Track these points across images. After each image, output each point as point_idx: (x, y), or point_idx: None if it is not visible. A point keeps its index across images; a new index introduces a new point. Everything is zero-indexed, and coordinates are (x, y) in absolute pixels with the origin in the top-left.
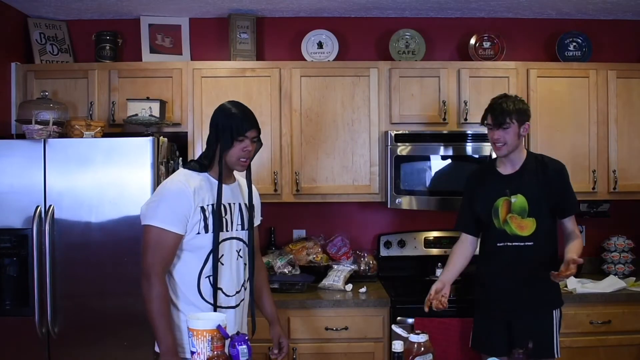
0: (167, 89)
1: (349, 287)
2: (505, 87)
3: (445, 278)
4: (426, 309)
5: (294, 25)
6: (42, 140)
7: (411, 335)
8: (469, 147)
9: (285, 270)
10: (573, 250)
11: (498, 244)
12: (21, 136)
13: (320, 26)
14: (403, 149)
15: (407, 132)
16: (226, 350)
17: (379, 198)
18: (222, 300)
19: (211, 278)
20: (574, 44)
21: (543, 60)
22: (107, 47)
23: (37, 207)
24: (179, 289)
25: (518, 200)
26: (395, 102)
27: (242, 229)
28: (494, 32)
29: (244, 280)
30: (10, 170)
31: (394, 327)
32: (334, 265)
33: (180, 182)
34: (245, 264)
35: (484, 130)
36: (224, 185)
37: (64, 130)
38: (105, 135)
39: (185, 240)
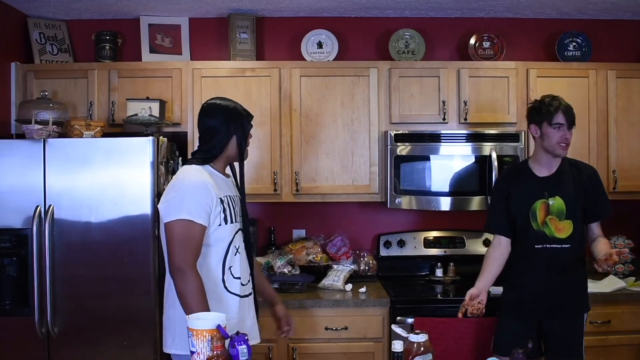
0: (167, 88)
1: (349, 287)
2: (505, 87)
3: (481, 285)
4: (460, 315)
5: (294, 25)
6: (42, 140)
7: (411, 335)
8: (469, 147)
9: (285, 270)
10: (605, 248)
11: (536, 246)
12: (21, 136)
13: (320, 26)
14: (403, 149)
15: (406, 132)
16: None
17: (379, 198)
18: (240, 289)
19: (232, 269)
20: (574, 44)
21: (543, 60)
22: (107, 47)
23: (37, 207)
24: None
25: (556, 202)
26: (395, 102)
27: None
28: (494, 32)
29: (250, 269)
30: (10, 170)
31: (393, 327)
32: (333, 265)
33: (198, 176)
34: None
35: (483, 130)
36: (225, 179)
37: (64, 130)
38: (105, 135)
39: (208, 233)
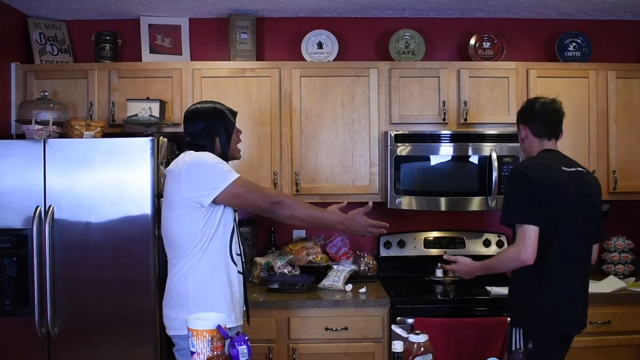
0: (167, 89)
1: (349, 287)
2: (505, 87)
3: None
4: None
5: (294, 25)
6: (42, 140)
7: (411, 335)
8: (469, 148)
9: (285, 270)
10: (487, 260)
11: None
12: (21, 136)
13: (320, 26)
14: (403, 149)
15: (407, 132)
16: (226, 350)
17: (379, 198)
18: (241, 267)
19: (233, 246)
20: (574, 44)
21: (543, 61)
22: (107, 47)
23: (37, 207)
24: (213, 265)
25: None
26: (395, 102)
27: None
28: (494, 32)
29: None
30: (10, 170)
31: (393, 327)
32: (333, 266)
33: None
34: None
35: (483, 130)
36: None
37: (64, 130)
38: (105, 135)
39: (217, 212)
